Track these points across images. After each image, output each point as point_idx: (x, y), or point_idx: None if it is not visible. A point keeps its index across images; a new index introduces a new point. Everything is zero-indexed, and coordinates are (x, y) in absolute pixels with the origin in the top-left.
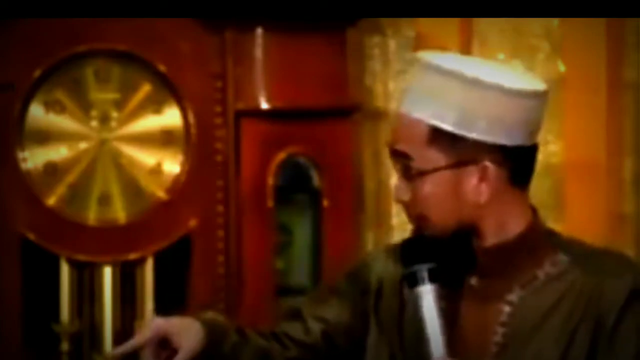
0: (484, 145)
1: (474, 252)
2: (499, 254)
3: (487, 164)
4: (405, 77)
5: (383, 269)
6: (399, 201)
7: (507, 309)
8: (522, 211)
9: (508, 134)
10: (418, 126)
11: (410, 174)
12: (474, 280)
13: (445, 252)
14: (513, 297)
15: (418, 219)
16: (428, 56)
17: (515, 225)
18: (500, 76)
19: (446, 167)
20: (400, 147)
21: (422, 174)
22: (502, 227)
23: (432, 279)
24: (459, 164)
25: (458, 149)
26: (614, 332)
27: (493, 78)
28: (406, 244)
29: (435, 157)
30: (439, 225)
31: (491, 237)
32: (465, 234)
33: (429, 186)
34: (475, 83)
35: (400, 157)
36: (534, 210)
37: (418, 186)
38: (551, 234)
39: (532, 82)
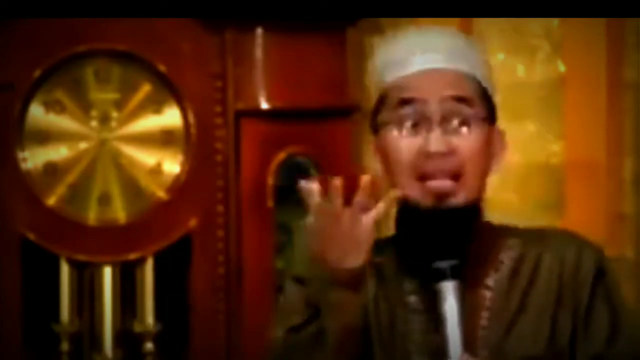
0: (494, 110)
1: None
2: (480, 235)
3: (502, 130)
4: (413, 40)
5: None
6: (438, 153)
7: (488, 294)
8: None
9: (493, 90)
10: (469, 78)
11: (463, 123)
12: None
13: (450, 231)
14: (490, 281)
15: (453, 177)
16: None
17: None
18: None
19: (492, 122)
20: (462, 92)
21: (482, 120)
22: (483, 206)
23: (455, 276)
24: (492, 123)
25: (490, 108)
26: (589, 309)
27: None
28: (428, 232)
29: (483, 109)
30: (471, 188)
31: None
32: (477, 210)
33: (479, 138)
34: (482, 52)
35: (460, 103)
36: None
37: (466, 137)
38: (488, 220)
39: None
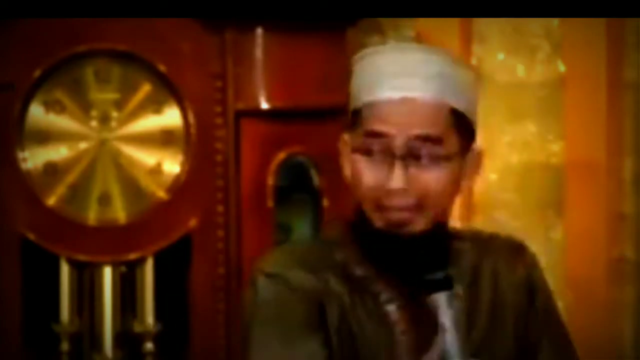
0: (473, 132)
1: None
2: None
3: (479, 148)
4: (393, 61)
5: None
6: (396, 190)
7: (458, 303)
8: None
9: (474, 112)
10: (441, 108)
11: (428, 159)
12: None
13: (428, 248)
14: (460, 290)
15: (412, 210)
16: (410, 44)
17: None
18: None
19: (460, 152)
20: (429, 130)
21: (448, 158)
22: (447, 219)
23: (447, 286)
24: (466, 149)
25: (465, 132)
26: (537, 307)
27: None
28: (412, 248)
29: (455, 140)
30: (432, 216)
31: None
32: (442, 231)
33: (446, 172)
34: (458, 64)
35: (424, 142)
36: None
37: (432, 172)
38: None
39: None
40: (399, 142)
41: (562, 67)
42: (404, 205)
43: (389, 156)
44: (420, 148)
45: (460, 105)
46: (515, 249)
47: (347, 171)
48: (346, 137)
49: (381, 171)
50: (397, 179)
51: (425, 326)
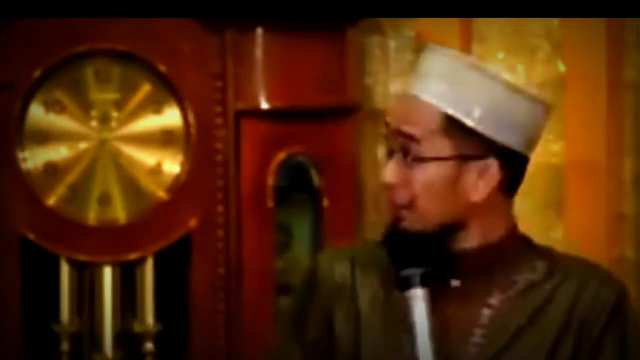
0: (491, 142)
1: (451, 254)
2: (482, 257)
3: (491, 161)
4: (419, 62)
5: (350, 275)
6: (388, 184)
7: (486, 311)
8: (506, 217)
9: (515, 137)
10: (431, 111)
11: (411, 158)
12: (455, 283)
13: (425, 249)
14: (494, 300)
15: (404, 207)
16: (443, 48)
17: (498, 228)
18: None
19: (451, 158)
20: (409, 128)
21: (425, 159)
22: (486, 228)
23: (425, 284)
24: (464, 157)
25: (465, 140)
26: (597, 348)
27: (508, 79)
28: (393, 244)
29: (443, 144)
30: (425, 217)
31: (475, 238)
32: (443, 234)
33: (430, 174)
34: (495, 80)
35: (406, 139)
36: (513, 215)
37: (417, 171)
38: (528, 241)
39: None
40: (392, 135)
41: (562, 67)
42: (395, 200)
43: (389, 150)
44: (403, 145)
45: (460, 114)
46: (590, 276)
47: None
48: None
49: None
50: (388, 172)
51: (396, 327)
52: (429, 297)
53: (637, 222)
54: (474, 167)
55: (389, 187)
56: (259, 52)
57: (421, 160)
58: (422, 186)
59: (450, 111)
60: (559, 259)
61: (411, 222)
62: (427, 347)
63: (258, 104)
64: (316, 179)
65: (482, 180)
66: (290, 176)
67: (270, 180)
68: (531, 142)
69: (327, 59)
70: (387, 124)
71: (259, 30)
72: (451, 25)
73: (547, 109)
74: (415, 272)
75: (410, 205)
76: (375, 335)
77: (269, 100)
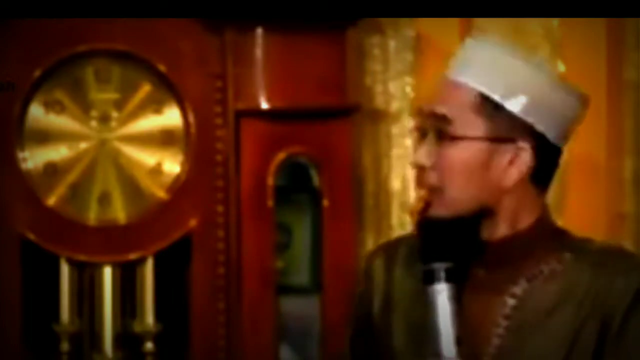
0: (524, 125)
1: (481, 242)
2: (509, 246)
3: (525, 146)
4: (460, 50)
5: (385, 278)
6: (419, 165)
7: (511, 301)
8: (536, 207)
9: (553, 127)
10: (465, 90)
11: (443, 138)
12: (480, 272)
13: (453, 239)
14: (518, 290)
15: (434, 189)
16: (486, 38)
17: (527, 218)
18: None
19: (485, 138)
20: (442, 108)
21: (458, 139)
22: (515, 218)
23: (449, 279)
24: (498, 139)
25: (499, 122)
26: (621, 333)
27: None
28: (422, 233)
29: (476, 125)
30: (455, 202)
31: (503, 227)
32: (475, 220)
33: (462, 154)
34: (540, 69)
35: (438, 120)
36: (545, 206)
37: (449, 152)
38: (560, 232)
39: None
40: (422, 118)
41: (562, 67)
42: (423, 182)
43: (421, 133)
44: (438, 126)
45: (496, 94)
46: (615, 264)
47: None
48: None
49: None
50: (419, 155)
51: (421, 321)
52: (453, 293)
53: (637, 222)
54: (507, 150)
55: (419, 169)
56: (259, 52)
57: (453, 139)
58: (453, 167)
59: (486, 90)
60: (587, 249)
61: (440, 207)
62: (451, 342)
63: (258, 104)
64: (316, 179)
65: (513, 165)
66: (290, 176)
67: (270, 180)
68: (566, 134)
69: (327, 59)
70: (420, 109)
71: (259, 30)
72: (451, 25)
73: (585, 102)
74: (440, 266)
75: (440, 189)
76: (403, 328)
77: (269, 100)
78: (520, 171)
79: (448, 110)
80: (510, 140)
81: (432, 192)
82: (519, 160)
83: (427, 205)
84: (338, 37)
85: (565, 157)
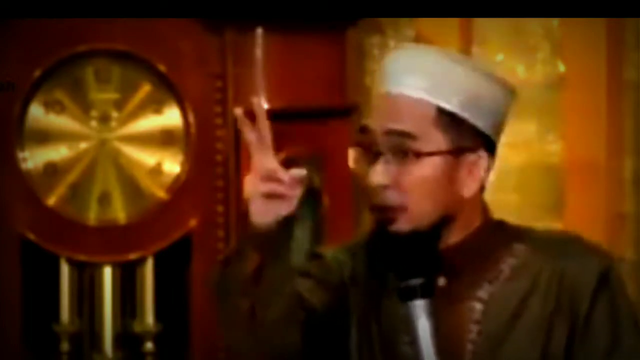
0: (479, 133)
1: (438, 251)
2: (465, 249)
3: (482, 154)
4: (389, 61)
5: (350, 268)
6: (380, 185)
7: (479, 306)
8: (482, 207)
9: (492, 123)
10: (423, 106)
11: (406, 156)
12: (441, 281)
13: (414, 252)
14: (483, 293)
15: (395, 208)
16: (413, 44)
17: (475, 221)
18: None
19: (448, 152)
20: (403, 126)
21: (422, 155)
22: (467, 223)
23: (425, 294)
24: (459, 150)
25: (458, 133)
26: (588, 320)
27: (487, 69)
28: (386, 249)
29: (438, 139)
30: (418, 216)
31: (456, 234)
32: (433, 232)
33: (427, 170)
34: (474, 68)
35: (399, 137)
36: (485, 203)
37: (413, 170)
38: (501, 223)
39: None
40: (378, 138)
41: (562, 67)
42: (386, 204)
43: (373, 152)
44: (399, 144)
45: (452, 106)
46: (574, 248)
47: None
48: None
49: (368, 168)
50: (377, 174)
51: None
52: (430, 308)
53: (637, 222)
54: (467, 160)
55: (379, 190)
56: (259, 52)
57: (419, 155)
58: (418, 185)
59: (442, 104)
60: (537, 238)
61: (402, 223)
62: (432, 356)
63: None
64: (316, 179)
65: (472, 174)
66: None
67: None
68: (501, 129)
69: (327, 59)
70: (365, 128)
71: (259, 30)
72: (451, 25)
73: (515, 94)
74: (416, 282)
75: (402, 206)
76: (355, 332)
77: (269, 100)
78: (480, 179)
79: (411, 127)
80: (471, 149)
81: (394, 210)
82: (477, 168)
83: (389, 222)
84: (338, 37)
85: (565, 157)
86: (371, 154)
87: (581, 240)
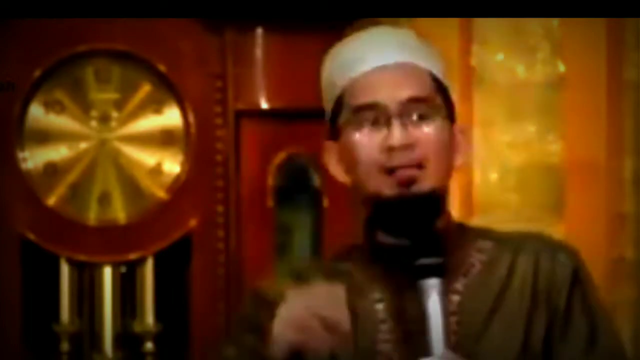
0: (453, 104)
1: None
2: (447, 238)
3: (464, 127)
4: (366, 39)
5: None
6: (402, 145)
7: (455, 297)
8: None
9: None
10: (422, 72)
11: (422, 119)
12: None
13: (420, 230)
14: (459, 285)
15: (416, 167)
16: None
17: (447, 210)
18: None
19: (448, 116)
20: (419, 92)
21: (440, 116)
22: (446, 210)
23: (439, 274)
24: (452, 116)
25: (447, 101)
26: (567, 314)
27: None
28: (401, 218)
29: (440, 103)
30: (437, 174)
31: (442, 220)
32: (438, 207)
33: (439, 131)
34: (435, 47)
35: (418, 103)
36: None
37: (429, 131)
38: (462, 224)
39: None
40: (392, 107)
41: (562, 67)
42: (408, 162)
43: (384, 121)
44: (413, 109)
45: (437, 73)
46: (542, 244)
47: (341, 176)
48: (329, 144)
49: (379, 136)
50: (398, 135)
51: (413, 317)
52: (441, 287)
53: (637, 222)
54: (455, 129)
55: (398, 150)
56: (259, 52)
57: (437, 116)
58: (433, 143)
59: (433, 70)
60: (500, 236)
61: (424, 182)
62: (440, 336)
63: (258, 104)
64: (316, 179)
65: (461, 143)
66: (290, 176)
67: (270, 180)
68: None
69: None
70: (372, 105)
71: (259, 30)
72: (451, 25)
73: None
74: (430, 260)
75: (423, 164)
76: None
77: (269, 100)
78: (469, 148)
79: (424, 92)
80: (453, 118)
81: (415, 168)
82: (465, 137)
83: (412, 180)
84: (338, 37)
85: (565, 157)
86: (381, 123)
87: (545, 237)
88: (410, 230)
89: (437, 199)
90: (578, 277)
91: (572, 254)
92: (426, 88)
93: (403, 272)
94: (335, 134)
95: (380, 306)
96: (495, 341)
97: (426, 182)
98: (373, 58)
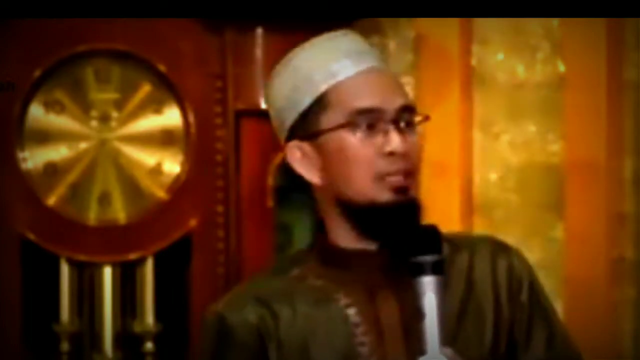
0: None
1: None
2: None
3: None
4: (340, 42)
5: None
6: (402, 152)
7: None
8: None
9: None
10: (401, 81)
11: (409, 127)
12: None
13: (413, 228)
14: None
15: (410, 175)
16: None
17: None
18: None
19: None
20: (410, 100)
21: (414, 127)
22: None
23: (436, 271)
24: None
25: None
26: (530, 312)
27: None
28: (404, 225)
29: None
30: (418, 184)
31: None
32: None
33: (418, 139)
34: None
35: (409, 111)
36: None
37: (414, 139)
38: None
39: None
40: (389, 112)
41: (562, 67)
42: (404, 168)
43: (380, 126)
44: (404, 117)
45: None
46: (496, 245)
47: (313, 176)
48: (297, 144)
49: (375, 140)
50: (398, 142)
51: (391, 318)
52: (436, 285)
53: (637, 222)
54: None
55: (398, 156)
56: (259, 52)
57: (414, 126)
58: (417, 151)
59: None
60: (452, 238)
61: (413, 190)
62: (435, 333)
63: (258, 104)
64: None
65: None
66: (290, 176)
67: (270, 180)
68: None
69: None
70: (372, 109)
71: (259, 30)
72: (451, 25)
73: None
74: (427, 258)
75: (413, 173)
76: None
77: None
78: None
79: (411, 100)
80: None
81: (410, 175)
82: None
83: (407, 188)
84: None
85: (565, 157)
86: (377, 128)
87: (494, 239)
88: (403, 232)
89: (420, 206)
90: (533, 275)
91: (521, 254)
92: (409, 96)
93: (374, 275)
94: (310, 133)
95: (351, 311)
96: (467, 342)
97: (413, 190)
98: (358, 60)
